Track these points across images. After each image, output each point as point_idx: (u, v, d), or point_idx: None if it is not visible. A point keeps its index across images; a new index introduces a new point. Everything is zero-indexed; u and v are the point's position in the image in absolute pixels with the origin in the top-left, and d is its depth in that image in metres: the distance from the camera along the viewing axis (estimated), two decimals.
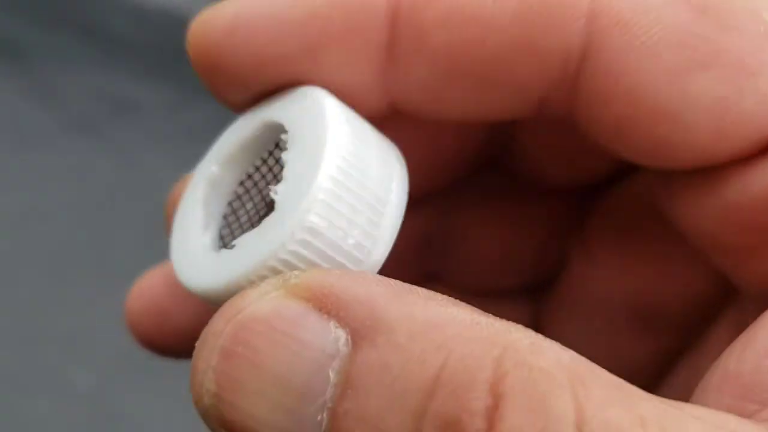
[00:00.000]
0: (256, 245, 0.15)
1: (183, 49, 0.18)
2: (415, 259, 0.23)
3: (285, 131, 0.17)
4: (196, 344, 0.15)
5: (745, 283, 0.18)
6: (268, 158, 0.18)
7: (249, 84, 0.18)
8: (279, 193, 0.16)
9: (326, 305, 0.14)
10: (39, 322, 0.56)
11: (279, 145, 0.18)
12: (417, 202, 0.21)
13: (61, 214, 0.62)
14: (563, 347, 0.14)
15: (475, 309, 0.15)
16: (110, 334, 0.56)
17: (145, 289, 0.23)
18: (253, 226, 0.17)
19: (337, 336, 0.14)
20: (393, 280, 0.15)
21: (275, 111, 0.17)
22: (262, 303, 0.15)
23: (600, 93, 0.17)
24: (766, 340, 0.16)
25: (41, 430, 0.51)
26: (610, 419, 0.13)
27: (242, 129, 0.18)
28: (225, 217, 0.18)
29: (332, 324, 0.14)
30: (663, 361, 0.21)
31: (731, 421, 0.14)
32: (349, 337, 0.14)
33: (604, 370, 0.14)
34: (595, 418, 0.13)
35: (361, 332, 0.14)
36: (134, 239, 0.57)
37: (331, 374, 0.14)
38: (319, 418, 0.14)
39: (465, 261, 0.23)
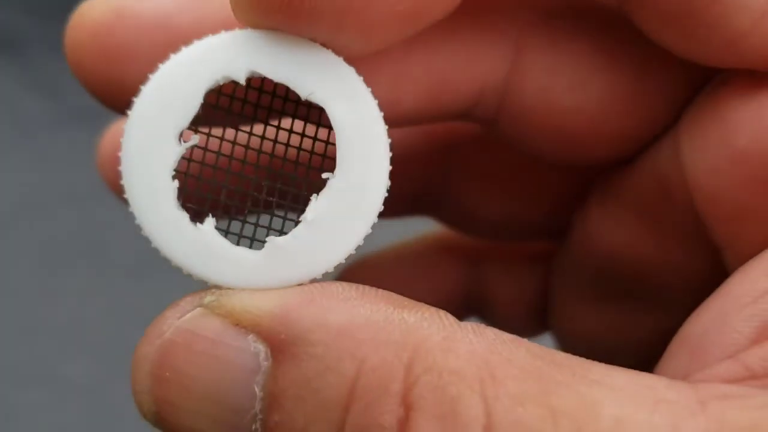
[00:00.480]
0: (286, 258, 0.16)
1: None
2: (409, 201, 0.23)
3: (326, 111, 0.16)
4: (131, 363, 0.15)
5: (734, 260, 0.18)
6: (271, 110, 0.18)
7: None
8: (316, 210, 0.16)
9: (242, 321, 0.14)
10: (35, 312, 0.56)
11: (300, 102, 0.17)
12: (416, 151, 0.21)
13: (58, 205, 0.62)
14: (482, 330, 0.14)
15: (392, 300, 0.15)
16: (106, 324, 0.56)
17: (113, 139, 0.22)
18: (241, 207, 0.17)
19: (257, 350, 0.14)
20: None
21: (323, 95, 0.16)
22: (181, 324, 0.15)
23: None
24: (720, 305, 0.16)
25: (36, 421, 0.51)
26: (519, 419, 0.13)
27: (269, 68, 0.16)
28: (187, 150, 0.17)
29: (251, 338, 0.14)
30: (665, 337, 0.22)
31: (660, 387, 0.14)
32: (269, 351, 0.14)
33: (525, 348, 0.14)
34: (504, 421, 0.13)
35: (278, 346, 0.14)
36: (131, 230, 0.57)
37: (257, 389, 0.14)
38: (254, 427, 0.14)
39: (459, 213, 0.23)
